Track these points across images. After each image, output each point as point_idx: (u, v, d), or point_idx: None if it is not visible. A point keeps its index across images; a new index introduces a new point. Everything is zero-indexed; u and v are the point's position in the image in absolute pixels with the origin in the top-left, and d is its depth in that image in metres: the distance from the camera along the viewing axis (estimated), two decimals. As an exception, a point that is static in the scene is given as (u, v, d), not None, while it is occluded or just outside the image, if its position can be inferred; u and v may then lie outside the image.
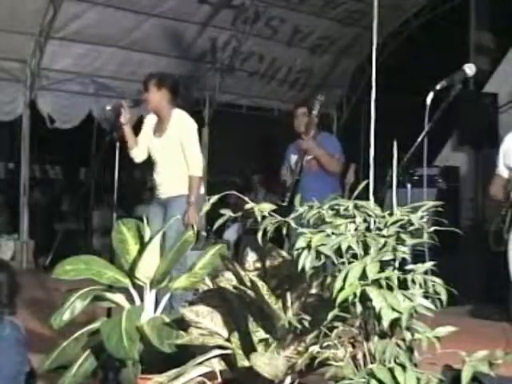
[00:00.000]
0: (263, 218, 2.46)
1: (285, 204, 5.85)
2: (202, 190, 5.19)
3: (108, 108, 5.14)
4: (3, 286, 3.32)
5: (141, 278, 3.41)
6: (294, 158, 6.23)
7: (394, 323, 2.16)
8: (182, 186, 5.05)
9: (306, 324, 2.57)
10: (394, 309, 2.11)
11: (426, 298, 2.21)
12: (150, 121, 5.28)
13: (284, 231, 2.47)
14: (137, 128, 5.30)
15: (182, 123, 5.09)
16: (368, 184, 2.64)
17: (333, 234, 2.29)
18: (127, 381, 3.22)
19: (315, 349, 2.36)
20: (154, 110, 5.20)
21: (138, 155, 5.25)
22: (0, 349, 3.21)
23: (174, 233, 4.28)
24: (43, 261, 10.07)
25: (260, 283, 2.60)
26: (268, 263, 2.81)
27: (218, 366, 2.80)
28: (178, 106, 5.18)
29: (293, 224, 2.44)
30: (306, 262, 2.26)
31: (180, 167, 5.07)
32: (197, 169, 5.06)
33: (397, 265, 2.26)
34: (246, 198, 2.53)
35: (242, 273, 2.72)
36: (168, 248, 3.56)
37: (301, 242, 2.28)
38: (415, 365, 2.24)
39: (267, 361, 2.61)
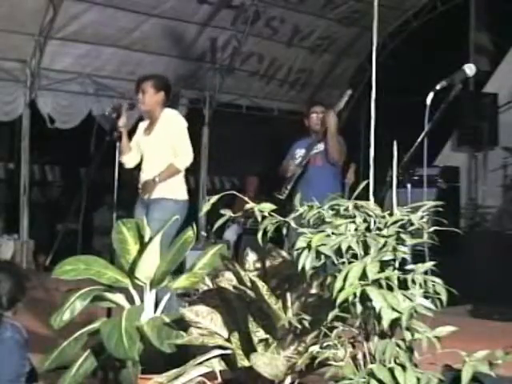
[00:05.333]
0: (263, 217, 2.46)
1: (283, 197, 5.92)
2: (185, 196, 5.05)
3: (108, 111, 5.12)
4: (4, 289, 3.31)
5: (141, 278, 3.41)
6: (299, 152, 6.28)
7: (394, 323, 2.16)
8: (167, 188, 4.96)
9: (306, 324, 2.57)
10: (394, 309, 2.11)
11: (426, 298, 2.21)
12: (143, 125, 5.28)
13: (284, 231, 2.47)
14: (133, 132, 5.30)
15: (172, 122, 5.07)
16: (368, 184, 2.64)
17: (333, 233, 2.29)
18: (127, 381, 3.22)
19: (315, 349, 2.36)
20: (147, 111, 5.20)
21: (128, 161, 5.18)
22: (1, 351, 3.21)
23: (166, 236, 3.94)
24: (43, 261, 10.06)
25: (260, 283, 2.60)
26: (268, 263, 2.81)
27: (218, 366, 2.80)
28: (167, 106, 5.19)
29: (293, 224, 2.44)
30: (306, 262, 2.26)
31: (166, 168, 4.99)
32: (182, 161, 4.97)
33: (397, 265, 2.26)
34: (246, 198, 2.53)
35: (242, 273, 2.72)
36: (165, 249, 3.55)
37: (301, 242, 2.28)
38: (415, 365, 2.24)
39: (267, 361, 2.61)
